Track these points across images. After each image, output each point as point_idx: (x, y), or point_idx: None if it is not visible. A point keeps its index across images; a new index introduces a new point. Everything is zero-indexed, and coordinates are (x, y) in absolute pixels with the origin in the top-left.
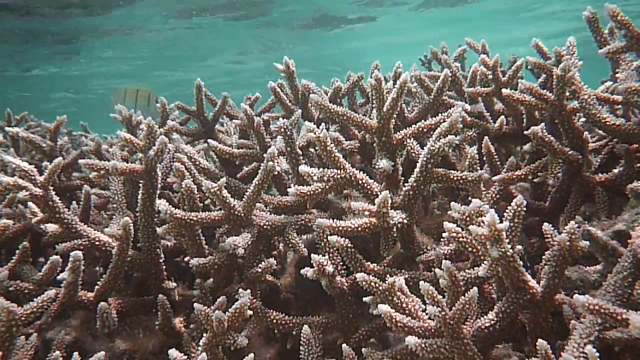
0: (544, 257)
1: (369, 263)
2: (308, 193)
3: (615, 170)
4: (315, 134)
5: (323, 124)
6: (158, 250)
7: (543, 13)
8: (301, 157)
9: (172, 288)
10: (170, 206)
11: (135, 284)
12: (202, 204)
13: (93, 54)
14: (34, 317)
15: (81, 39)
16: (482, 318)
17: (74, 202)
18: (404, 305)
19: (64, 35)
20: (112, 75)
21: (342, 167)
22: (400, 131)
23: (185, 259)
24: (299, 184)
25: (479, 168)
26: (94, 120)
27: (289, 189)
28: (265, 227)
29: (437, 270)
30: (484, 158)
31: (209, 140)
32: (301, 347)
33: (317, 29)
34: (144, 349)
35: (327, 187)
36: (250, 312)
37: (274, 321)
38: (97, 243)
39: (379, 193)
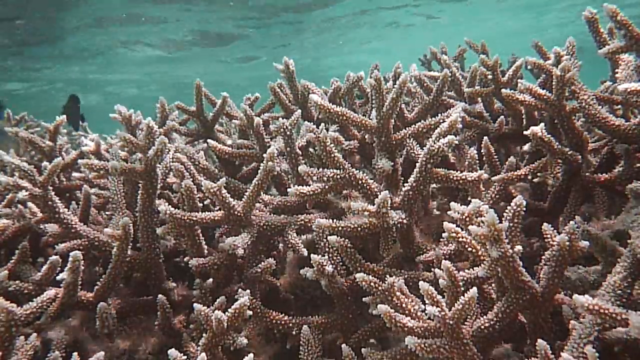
0: (543, 257)
1: (368, 263)
2: (308, 193)
3: (615, 170)
4: (315, 134)
5: (323, 124)
6: (158, 250)
7: None
8: (301, 157)
9: (172, 288)
10: (170, 206)
11: (135, 284)
12: (202, 204)
13: None
14: (33, 317)
15: None
16: (482, 318)
17: (73, 202)
18: (404, 305)
19: None
20: None
21: (341, 167)
22: (400, 131)
23: (185, 259)
24: (299, 184)
25: (478, 168)
26: None
27: (288, 189)
28: (264, 227)
29: (437, 270)
30: (484, 158)
31: (209, 140)
32: (301, 347)
33: None
34: (143, 349)
35: (326, 187)
36: (250, 312)
37: (274, 321)
38: (96, 243)
39: (378, 193)
